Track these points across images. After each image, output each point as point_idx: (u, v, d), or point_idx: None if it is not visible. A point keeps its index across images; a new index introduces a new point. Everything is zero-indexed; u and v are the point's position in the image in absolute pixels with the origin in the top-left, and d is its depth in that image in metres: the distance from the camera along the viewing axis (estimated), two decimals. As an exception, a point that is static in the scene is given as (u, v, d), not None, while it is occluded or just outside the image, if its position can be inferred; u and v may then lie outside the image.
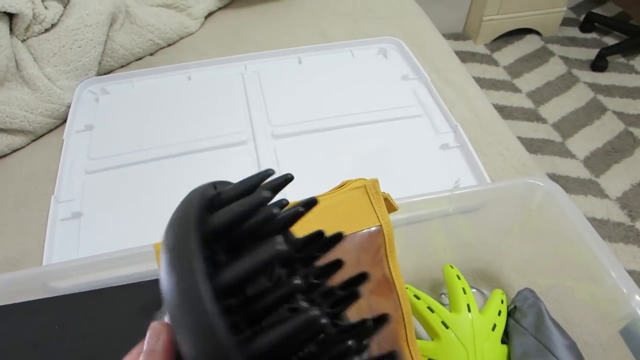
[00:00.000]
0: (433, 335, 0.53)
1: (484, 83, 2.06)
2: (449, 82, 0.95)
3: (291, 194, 0.72)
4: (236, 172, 0.76)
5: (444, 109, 0.85)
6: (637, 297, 0.43)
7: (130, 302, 0.47)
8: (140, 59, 0.99)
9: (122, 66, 0.97)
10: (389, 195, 0.46)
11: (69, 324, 0.45)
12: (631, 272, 1.42)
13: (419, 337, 0.58)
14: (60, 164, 0.77)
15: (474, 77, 0.99)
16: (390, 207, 0.46)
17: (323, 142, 0.81)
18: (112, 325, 0.44)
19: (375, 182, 0.46)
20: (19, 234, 0.71)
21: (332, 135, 0.82)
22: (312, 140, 0.81)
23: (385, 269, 0.44)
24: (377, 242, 0.44)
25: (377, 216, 0.45)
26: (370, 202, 0.45)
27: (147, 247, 0.50)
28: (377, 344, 0.45)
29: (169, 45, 1.03)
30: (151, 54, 1.01)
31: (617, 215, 1.57)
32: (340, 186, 0.47)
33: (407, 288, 0.58)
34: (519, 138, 1.69)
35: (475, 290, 0.65)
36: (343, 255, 0.45)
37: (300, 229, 0.43)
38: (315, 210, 0.44)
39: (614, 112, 1.92)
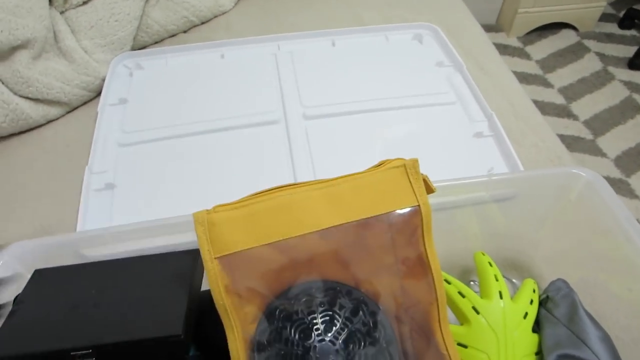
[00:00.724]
0: (463, 320, 0.52)
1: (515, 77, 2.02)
2: (485, 71, 0.94)
3: (321, 175, 0.72)
4: (267, 150, 0.76)
5: (478, 97, 0.84)
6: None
7: (166, 270, 0.47)
8: (173, 35, 1.00)
9: (156, 42, 0.98)
10: (427, 177, 0.46)
11: (106, 289, 0.45)
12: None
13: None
14: (94, 136, 0.78)
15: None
16: (428, 189, 0.45)
17: (354, 125, 0.80)
18: (148, 291, 0.45)
19: (415, 162, 0.45)
20: (54, 203, 0.72)
21: (364, 118, 0.81)
22: (343, 123, 0.80)
23: (422, 250, 0.44)
24: (414, 223, 0.44)
25: (416, 196, 0.44)
26: (410, 181, 0.44)
27: (180, 218, 0.50)
28: (410, 325, 0.45)
29: (203, 23, 1.04)
30: (185, 32, 1.01)
31: (649, 215, 1.53)
32: (379, 165, 0.46)
33: (438, 272, 0.57)
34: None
35: (505, 279, 0.64)
36: (376, 237, 0.44)
37: (338, 206, 0.43)
38: (352, 187, 0.44)
39: (649, 112, 1.86)
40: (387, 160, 0.47)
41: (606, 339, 0.48)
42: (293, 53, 0.93)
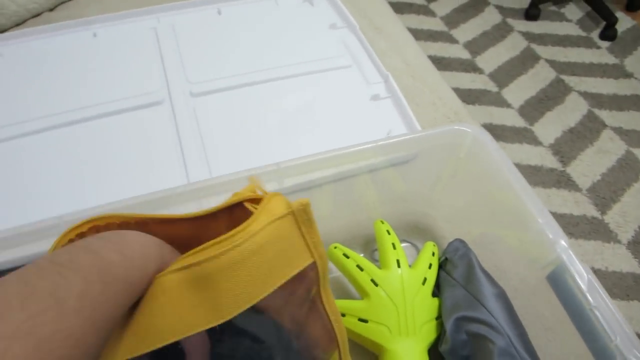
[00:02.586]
0: (363, 294, 0.50)
1: (421, 34, 2.04)
2: (380, 31, 0.91)
3: (215, 159, 0.67)
4: (153, 136, 0.70)
5: (374, 59, 0.81)
6: (562, 242, 0.42)
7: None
8: (37, 15, 0.88)
9: (17, 24, 0.86)
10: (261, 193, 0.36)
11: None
12: (563, 215, 1.47)
13: (351, 297, 0.56)
14: (-53, 137, 0.68)
15: (410, 29, 0.96)
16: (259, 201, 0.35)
17: (247, 98, 0.75)
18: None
19: (306, 205, 0.34)
20: None
21: (257, 90, 0.76)
22: (235, 97, 0.75)
23: (319, 305, 0.36)
24: (308, 282, 0.35)
25: (310, 250, 0.34)
26: (301, 232, 0.34)
27: (38, 224, 0.44)
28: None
29: (71, -1, 0.93)
30: (50, 10, 0.90)
31: (550, 161, 1.61)
32: (237, 200, 0.35)
33: (336, 247, 0.55)
34: (457, 89, 1.69)
35: (408, 243, 0.63)
36: (268, 308, 0.36)
37: (210, 302, 0.30)
38: (226, 265, 0.30)
39: (547, 61, 1.94)
40: (242, 191, 0.36)
41: (501, 296, 0.48)
42: (175, 26, 0.85)
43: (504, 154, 0.48)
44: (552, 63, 1.93)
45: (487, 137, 0.49)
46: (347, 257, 0.53)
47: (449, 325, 0.47)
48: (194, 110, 0.73)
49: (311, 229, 0.34)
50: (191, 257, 0.29)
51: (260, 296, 0.30)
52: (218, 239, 0.29)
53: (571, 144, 1.65)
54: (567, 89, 1.83)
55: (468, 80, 1.88)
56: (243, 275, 0.30)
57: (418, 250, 0.62)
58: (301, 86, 0.77)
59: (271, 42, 0.84)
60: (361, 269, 0.51)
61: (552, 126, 1.71)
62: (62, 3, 0.92)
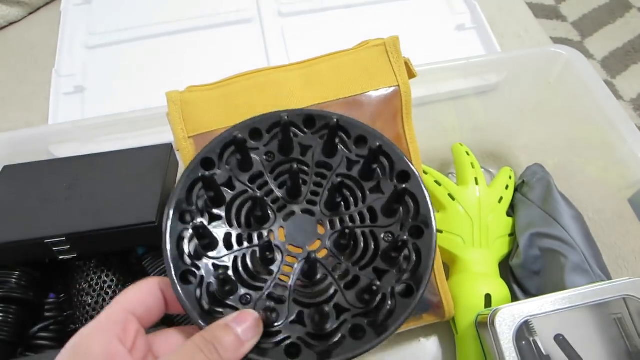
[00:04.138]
0: (439, 207, 0.53)
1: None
2: (469, -39, 0.89)
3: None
4: (240, 51, 0.73)
5: (462, -13, 0.80)
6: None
7: (139, 164, 0.46)
8: None
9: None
10: (409, 60, 0.44)
11: (78, 182, 0.45)
12: None
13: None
14: (59, 38, 0.74)
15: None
16: (410, 73, 0.44)
17: (332, 21, 0.77)
18: (121, 184, 0.44)
19: (395, 40, 0.42)
20: (23, 107, 0.70)
21: (342, 14, 0.77)
22: (320, 20, 0.77)
23: (401, 132, 0.42)
24: (393, 104, 0.42)
25: (396, 76, 0.42)
26: (389, 60, 0.42)
27: (154, 110, 0.49)
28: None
29: None
30: None
31: (630, 117, 1.53)
32: (360, 45, 0.44)
33: (414, 164, 0.57)
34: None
35: (483, 170, 0.64)
36: (355, 117, 0.42)
37: (315, 86, 0.41)
38: (330, 67, 0.42)
39: (639, 10, 1.81)
40: (369, 40, 0.45)
41: (578, 217, 0.49)
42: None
43: (601, 80, 0.48)
44: (645, 13, 1.80)
45: (582, 59, 0.49)
46: (425, 173, 0.55)
47: (522, 241, 0.49)
48: (282, 29, 0.75)
49: (398, 60, 0.42)
50: (308, 61, 0.42)
51: (351, 93, 0.41)
52: (330, 53, 0.43)
53: (655, 100, 1.57)
54: (658, 43, 1.71)
55: (550, 28, 1.78)
56: (343, 74, 0.41)
57: (492, 177, 0.63)
58: (386, 14, 0.78)
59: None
60: (439, 184, 0.53)
61: (636, 80, 1.62)
62: None
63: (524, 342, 0.37)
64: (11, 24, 0.79)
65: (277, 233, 0.32)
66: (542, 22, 1.80)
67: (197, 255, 0.30)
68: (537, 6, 1.85)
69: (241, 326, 0.26)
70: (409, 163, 0.33)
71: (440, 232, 0.51)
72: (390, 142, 0.33)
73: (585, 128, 0.52)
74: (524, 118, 0.61)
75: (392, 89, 0.42)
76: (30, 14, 0.81)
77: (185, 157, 0.38)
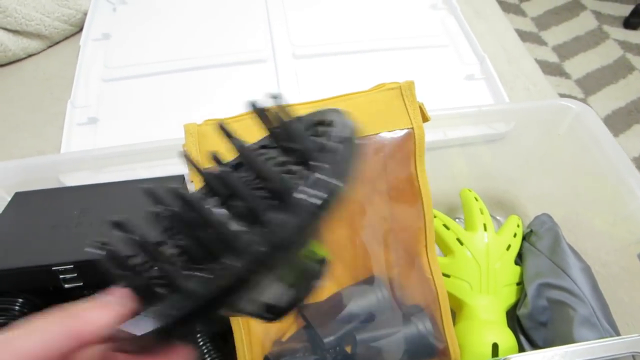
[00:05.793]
0: (447, 251, 0.52)
1: (509, 33, 1.99)
2: (479, 15, 0.92)
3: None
4: (253, 90, 0.75)
5: (471, 40, 0.82)
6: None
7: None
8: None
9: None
10: (422, 104, 0.45)
11: (88, 210, 0.45)
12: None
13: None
14: (76, 71, 0.76)
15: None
16: (423, 117, 0.45)
17: (345, 65, 0.78)
18: (131, 213, 0.44)
19: (411, 85, 0.44)
20: (36, 135, 0.70)
21: (355, 59, 0.79)
22: (334, 64, 0.79)
23: (413, 175, 0.43)
24: (407, 146, 0.43)
25: (410, 118, 0.43)
26: (404, 103, 0.43)
27: (166, 142, 0.49)
28: (396, 251, 0.45)
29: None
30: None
31: (633, 174, 1.54)
32: (375, 88, 0.45)
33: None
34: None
35: (490, 217, 0.64)
36: (368, 158, 0.44)
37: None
38: (345, 106, 0.43)
39: (642, 72, 1.86)
40: (384, 83, 0.46)
41: (587, 270, 0.49)
42: (283, -10, 0.90)
43: (609, 133, 0.48)
44: (647, 75, 1.84)
45: (592, 113, 0.50)
46: (434, 216, 0.55)
47: (530, 290, 0.48)
48: (295, 72, 0.77)
49: (413, 103, 0.44)
50: (323, 101, 0.44)
51: (365, 133, 0.42)
52: (346, 94, 0.45)
53: (658, 160, 1.58)
54: (660, 104, 1.75)
55: (553, 85, 1.82)
56: (357, 115, 0.37)
57: (499, 224, 0.63)
58: (398, 61, 0.80)
59: (373, 15, 0.86)
60: (447, 228, 0.53)
61: (638, 140, 1.64)
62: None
63: (533, 395, 0.36)
64: (30, 55, 0.81)
65: None
66: (547, 77, 1.84)
67: None
68: (541, 62, 1.90)
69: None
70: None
71: (447, 276, 0.51)
72: None
73: (594, 181, 0.52)
74: (531, 168, 0.62)
75: (405, 131, 0.43)
76: (50, 47, 0.83)
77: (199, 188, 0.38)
